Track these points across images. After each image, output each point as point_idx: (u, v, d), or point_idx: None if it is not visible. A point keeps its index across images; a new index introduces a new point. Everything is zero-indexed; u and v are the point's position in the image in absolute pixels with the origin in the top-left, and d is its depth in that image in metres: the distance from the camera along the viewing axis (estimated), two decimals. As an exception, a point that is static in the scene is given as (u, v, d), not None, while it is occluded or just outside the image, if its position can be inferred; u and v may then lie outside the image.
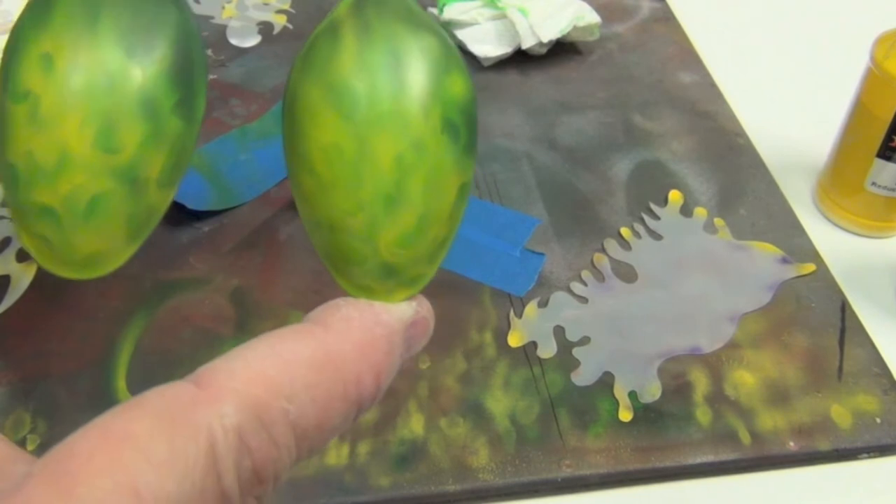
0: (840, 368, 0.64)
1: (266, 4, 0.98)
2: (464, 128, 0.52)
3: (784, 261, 0.71)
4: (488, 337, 0.65)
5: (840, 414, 0.61)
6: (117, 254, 0.50)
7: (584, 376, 0.62)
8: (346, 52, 0.49)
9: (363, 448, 0.58)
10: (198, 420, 0.24)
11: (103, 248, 0.47)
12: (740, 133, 0.84)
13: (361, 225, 0.51)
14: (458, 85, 0.51)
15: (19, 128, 0.47)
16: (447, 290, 0.67)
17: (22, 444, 0.57)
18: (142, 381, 0.61)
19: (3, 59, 0.48)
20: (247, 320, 0.65)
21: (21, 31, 0.48)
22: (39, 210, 0.49)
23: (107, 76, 0.47)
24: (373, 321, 0.29)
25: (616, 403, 0.61)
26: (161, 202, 0.50)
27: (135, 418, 0.24)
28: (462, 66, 0.52)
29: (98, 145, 0.47)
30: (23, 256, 0.68)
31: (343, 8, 0.50)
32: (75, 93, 0.47)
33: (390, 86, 0.49)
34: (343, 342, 0.28)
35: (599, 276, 0.69)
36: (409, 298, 0.34)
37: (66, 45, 0.47)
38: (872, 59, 0.70)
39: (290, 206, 0.74)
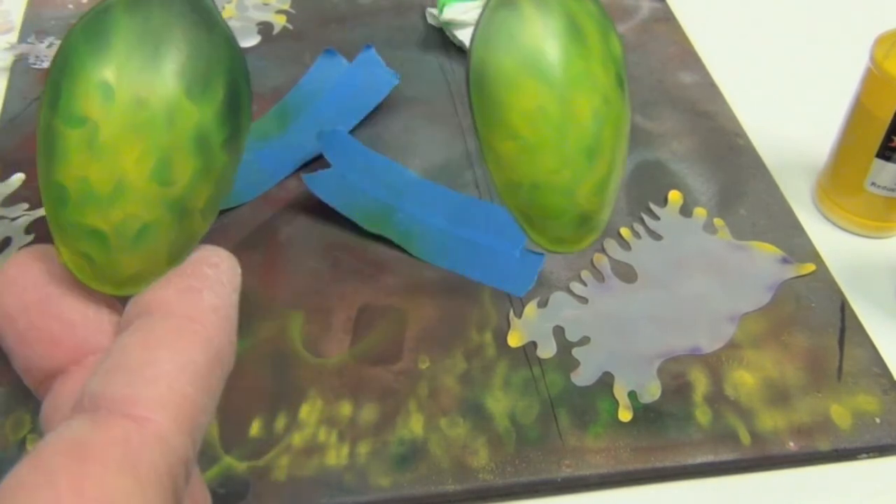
0: (840, 368, 0.64)
1: (266, 5, 0.98)
2: (625, 79, 0.57)
3: (784, 261, 0.71)
4: (488, 337, 0.65)
5: (840, 414, 0.61)
6: (154, 275, 0.51)
7: (583, 376, 0.62)
8: (531, 23, 0.53)
9: (363, 448, 0.58)
10: (157, 463, 0.25)
11: (144, 269, 0.48)
12: (740, 133, 0.84)
13: (565, 180, 0.55)
14: (617, 42, 0.57)
15: (73, 152, 0.48)
16: (447, 290, 0.67)
17: (22, 444, 0.57)
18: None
19: (53, 77, 0.48)
20: (247, 320, 0.65)
21: (76, 54, 0.48)
22: (88, 231, 0.50)
23: (167, 111, 0.48)
24: (230, 304, 0.30)
25: (616, 403, 0.61)
26: (202, 229, 0.51)
27: (105, 475, 0.24)
28: (614, 25, 0.57)
29: (154, 178, 0.48)
30: (23, 257, 0.68)
31: None
32: (137, 125, 0.47)
33: (577, 48, 0.54)
34: (220, 337, 0.29)
35: (599, 276, 0.69)
36: None
37: (128, 76, 0.47)
38: (872, 59, 0.70)
39: (291, 207, 0.74)
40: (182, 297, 0.29)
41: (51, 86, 0.48)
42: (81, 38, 0.48)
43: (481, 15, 0.53)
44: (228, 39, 0.50)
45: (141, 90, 0.47)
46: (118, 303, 0.30)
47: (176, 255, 0.51)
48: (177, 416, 0.26)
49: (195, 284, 0.30)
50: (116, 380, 0.26)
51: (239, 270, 0.32)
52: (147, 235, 0.49)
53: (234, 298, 0.30)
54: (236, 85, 0.50)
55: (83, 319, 0.29)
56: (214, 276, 0.30)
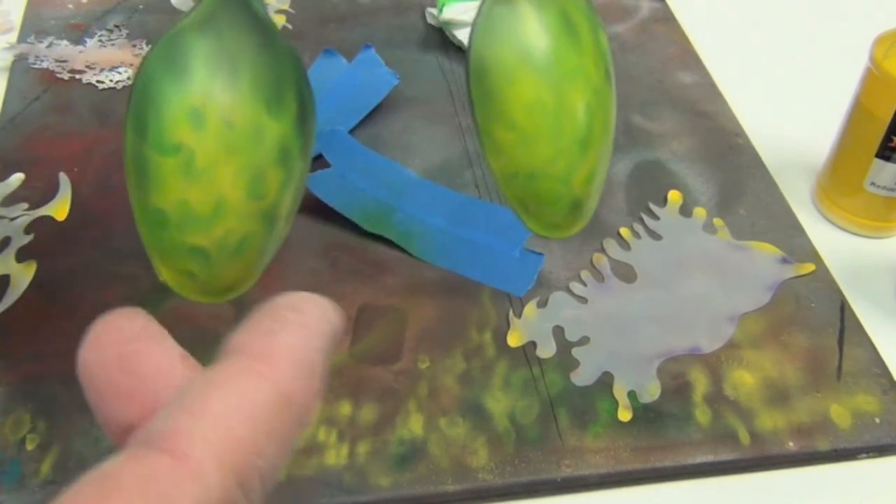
0: (839, 368, 0.64)
1: (265, 4, 0.98)
2: (612, 72, 0.59)
3: (783, 261, 0.71)
4: (488, 337, 0.65)
5: (839, 414, 0.61)
6: (250, 280, 0.53)
7: (583, 376, 0.62)
8: (527, 18, 0.56)
9: (363, 448, 0.58)
10: (188, 501, 0.23)
11: (242, 277, 0.50)
12: (740, 133, 0.84)
13: (561, 169, 0.57)
14: (605, 37, 0.60)
15: (170, 178, 0.50)
16: (447, 290, 0.67)
17: (21, 444, 0.57)
18: (141, 381, 0.61)
19: (136, 107, 0.49)
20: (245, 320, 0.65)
21: (157, 84, 0.49)
22: (190, 250, 0.52)
23: (254, 130, 0.50)
24: (312, 348, 0.28)
25: (615, 403, 0.61)
26: (285, 233, 0.54)
27: None
28: (601, 22, 0.59)
29: (250, 194, 0.50)
30: (22, 256, 0.68)
31: None
32: (229, 147, 0.49)
33: (571, 43, 0.55)
34: (293, 380, 0.27)
35: (599, 276, 0.69)
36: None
37: (214, 101, 0.49)
38: (872, 59, 0.70)
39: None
40: (255, 339, 0.28)
41: (135, 115, 0.50)
42: (159, 67, 0.49)
43: (479, 11, 0.55)
44: (291, 52, 0.52)
45: (227, 112, 0.49)
46: (191, 357, 0.29)
47: (267, 260, 0.54)
48: (220, 455, 0.24)
49: (273, 327, 0.28)
50: (163, 415, 0.25)
51: (333, 317, 0.30)
52: (245, 247, 0.51)
53: (319, 344, 0.28)
54: (303, 95, 0.52)
55: (155, 374, 0.28)
56: (295, 319, 0.29)
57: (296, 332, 0.28)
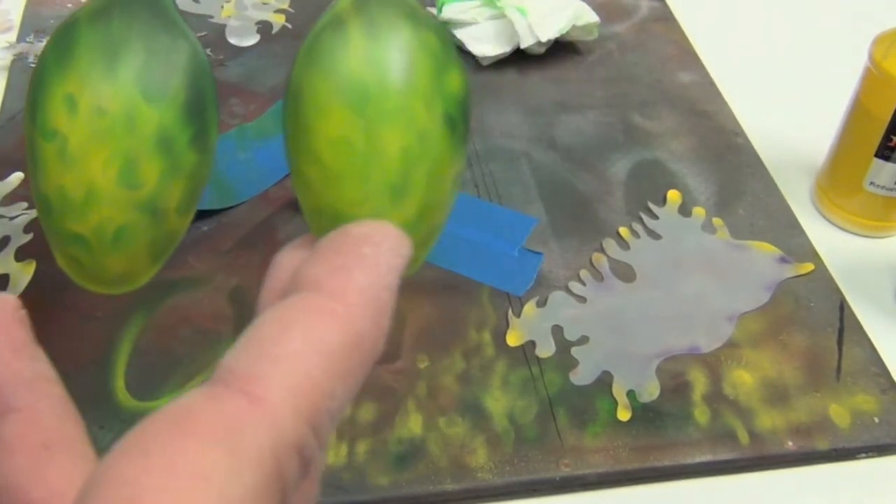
0: (838, 368, 0.64)
1: (265, 4, 0.98)
2: (461, 121, 0.53)
3: (782, 260, 0.71)
4: (487, 336, 0.65)
5: (838, 413, 0.61)
6: (142, 273, 0.52)
7: (582, 376, 0.62)
8: (353, 48, 0.50)
9: (362, 447, 0.58)
10: (262, 444, 0.23)
11: (130, 269, 0.49)
12: (739, 133, 0.84)
13: (367, 214, 0.52)
14: (456, 80, 0.53)
15: (50, 163, 0.50)
16: (446, 290, 0.67)
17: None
18: (141, 380, 0.61)
19: (30, 93, 0.50)
20: (246, 320, 0.65)
21: (45, 70, 0.50)
22: (72, 237, 0.52)
23: (126, 117, 0.49)
24: (383, 286, 0.28)
25: (614, 403, 0.61)
26: (180, 227, 0.52)
27: (200, 449, 0.22)
28: (459, 62, 0.53)
29: (121, 182, 0.50)
30: (22, 255, 0.68)
31: (346, 3, 0.51)
32: (98, 134, 0.49)
33: (398, 81, 0.50)
34: (365, 320, 0.27)
35: (598, 275, 0.69)
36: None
37: (88, 87, 0.49)
38: (871, 58, 0.70)
39: (289, 205, 0.74)
40: (331, 275, 0.27)
41: (29, 100, 0.50)
42: (51, 54, 0.50)
43: (310, 32, 0.52)
44: (188, 41, 0.51)
45: (101, 99, 0.48)
46: (40, 361, 0.30)
47: (158, 254, 0.53)
48: (296, 399, 0.24)
49: (348, 263, 0.28)
50: (242, 355, 0.25)
51: (406, 251, 0.30)
52: (124, 237, 0.50)
53: (390, 281, 0.28)
54: (198, 82, 0.51)
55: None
56: (371, 255, 0.28)
57: (370, 269, 0.28)
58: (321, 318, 0.26)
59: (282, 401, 0.24)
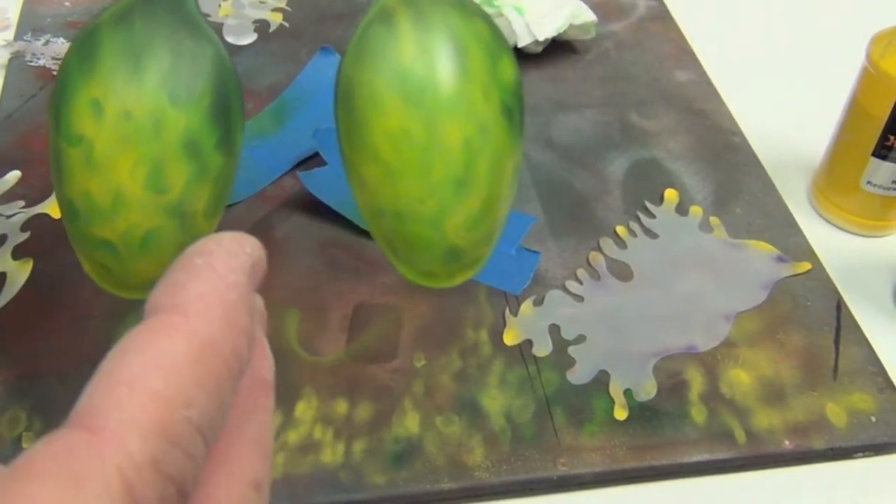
0: (835, 367, 0.64)
1: (262, 3, 0.98)
2: (517, 110, 0.53)
3: (779, 259, 0.71)
4: (484, 335, 0.65)
5: (835, 413, 0.61)
6: None
7: (579, 375, 0.62)
8: (405, 40, 0.50)
9: (358, 446, 0.58)
10: (106, 471, 0.22)
11: (157, 273, 0.49)
12: (736, 132, 0.84)
13: (431, 211, 0.51)
14: (510, 69, 0.53)
15: (76, 169, 0.49)
16: (442, 289, 0.67)
17: (18, 441, 0.57)
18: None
19: (53, 100, 0.50)
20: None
21: (69, 76, 0.50)
22: (99, 243, 0.52)
23: (153, 122, 0.49)
24: (225, 287, 0.27)
25: (611, 402, 0.61)
26: (208, 230, 0.52)
27: (40, 490, 0.21)
28: (510, 50, 0.53)
29: (149, 187, 0.49)
30: (19, 254, 0.68)
31: None
32: (125, 138, 0.48)
33: (453, 71, 0.50)
34: (210, 324, 0.25)
35: (595, 274, 0.69)
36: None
37: (114, 92, 0.48)
38: (868, 57, 0.70)
39: (286, 205, 0.74)
40: (166, 294, 0.26)
41: (53, 107, 0.50)
42: (74, 60, 0.50)
43: (356, 28, 0.51)
44: (212, 42, 0.51)
45: (127, 103, 0.48)
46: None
47: None
48: (138, 418, 0.23)
49: (181, 277, 0.27)
50: (86, 394, 0.24)
51: (249, 248, 0.29)
52: (152, 241, 0.50)
53: (234, 280, 0.27)
54: (224, 86, 0.51)
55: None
56: (203, 263, 0.27)
57: (205, 276, 0.27)
58: (160, 335, 0.25)
59: (122, 425, 0.23)
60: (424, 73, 0.49)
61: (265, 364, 0.30)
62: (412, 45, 0.49)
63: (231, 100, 0.51)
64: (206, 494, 0.26)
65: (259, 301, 0.30)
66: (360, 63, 0.50)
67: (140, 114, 0.48)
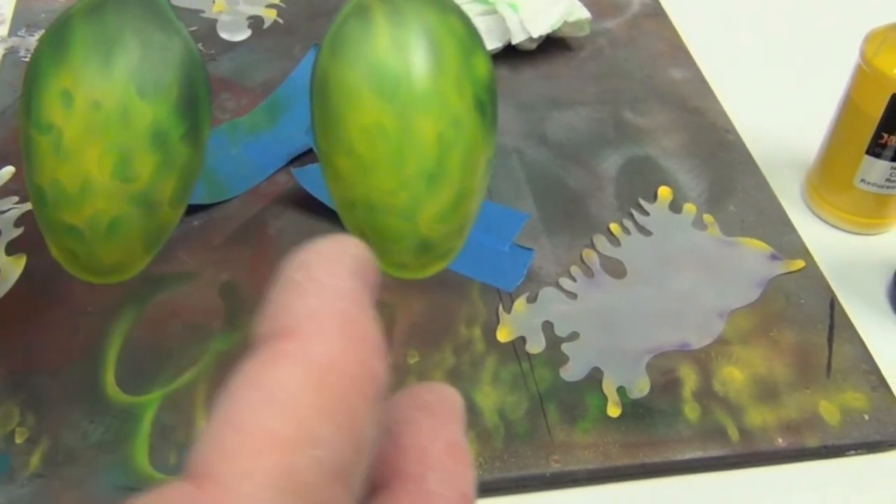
0: (829, 365, 0.64)
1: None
2: (490, 105, 0.54)
3: (773, 257, 0.71)
4: (477, 332, 0.65)
5: (828, 410, 0.61)
6: (136, 263, 0.53)
7: (572, 372, 0.62)
8: (380, 34, 0.50)
9: (352, 443, 0.58)
10: None
11: (123, 259, 0.49)
12: (730, 129, 0.84)
13: (403, 203, 0.52)
14: (483, 64, 0.53)
15: (45, 156, 0.50)
16: (436, 285, 0.67)
17: (10, 437, 0.57)
18: (131, 375, 0.61)
19: (25, 88, 0.51)
20: (236, 315, 0.65)
21: (40, 65, 0.51)
22: (66, 228, 0.53)
23: (121, 112, 0.50)
24: (336, 297, 0.22)
25: (605, 399, 0.61)
26: (172, 219, 0.53)
27: None
28: (484, 46, 0.53)
29: (116, 175, 0.50)
30: (12, 249, 0.68)
31: None
32: (94, 128, 0.49)
33: (427, 66, 0.51)
34: (325, 342, 0.21)
35: (588, 271, 0.69)
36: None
37: (84, 82, 0.49)
38: (862, 55, 0.70)
39: (280, 201, 0.73)
40: (269, 322, 0.22)
41: (24, 95, 0.51)
42: (46, 49, 0.51)
43: (333, 22, 0.51)
44: (182, 37, 0.52)
45: (96, 94, 0.49)
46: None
47: (150, 245, 0.53)
48: (257, 466, 0.19)
49: (282, 299, 0.23)
50: (196, 449, 0.20)
51: (350, 249, 0.24)
52: (118, 228, 0.51)
53: (343, 289, 0.23)
54: (192, 78, 0.51)
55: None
56: (304, 277, 0.23)
57: (310, 290, 0.23)
58: (269, 367, 0.21)
59: (233, 477, 0.19)
60: (398, 67, 0.50)
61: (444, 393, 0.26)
62: (387, 40, 0.50)
63: (199, 93, 0.52)
64: None
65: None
66: (336, 57, 0.51)
67: (109, 104, 0.49)
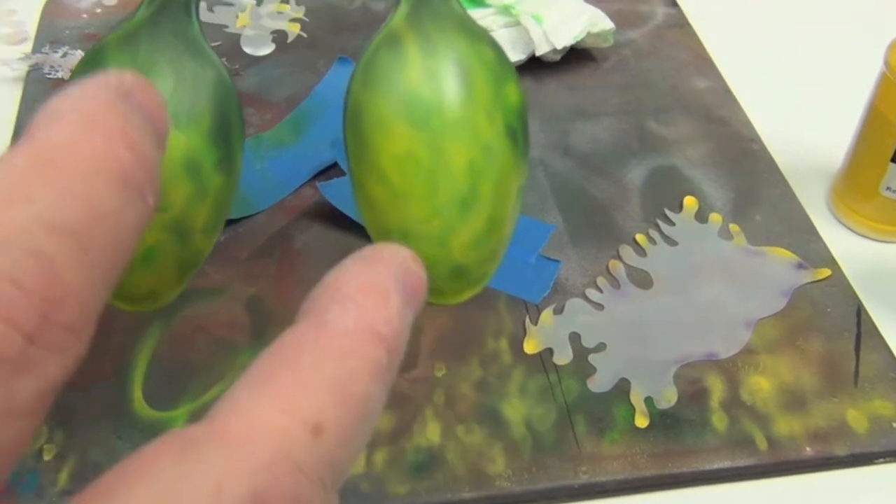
0: (856, 373, 0.64)
1: (280, 13, 0.98)
2: (521, 132, 0.54)
3: (799, 266, 0.71)
4: (504, 344, 0.65)
5: (856, 419, 0.61)
6: (169, 291, 0.53)
7: (599, 383, 0.62)
8: (412, 64, 0.51)
9: (380, 456, 0.58)
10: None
11: (157, 287, 0.50)
12: (755, 139, 0.84)
13: (436, 230, 0.52)
14: (514, 91, 0.54)
15: None
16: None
17: (39, 454, 0.57)
18: (158, 391, 0.61)
19: None
20: (262, 329, 0.65)
21: None
22: None
23: None
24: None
25: (632, 409, 0.61)
26: (206, 246, 0.53)
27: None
28: (515, 73, 0.54)
29: None
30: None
31: (399, 20, 0.52)
32: None
33: (458, 94, 0.51)
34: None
35: (615, 282, 0.69)
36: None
37: None
38: (886, 63, 0.70)
39: (306, 215, 0.74)
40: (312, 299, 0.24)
41: None
42: (79, 78, 0.51)
43: (364, 51, 0.52)
44: (214, 65, 0.52)
45: None
46: None
47: (184, 272, 0.54)
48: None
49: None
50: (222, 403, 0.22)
51: (408, 263, 0.26)
52: (152, 257, 0.51)
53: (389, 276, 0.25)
54: (224, 106, 0.52)
55: None
56: (336, 316, 0.24)
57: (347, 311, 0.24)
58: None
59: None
60: (430, 97, 0.50)
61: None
62: (419, 70, 0.50)
63: (231, 121, 0.52)
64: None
65: None
66: (368, 88, 0.51)
67: None
